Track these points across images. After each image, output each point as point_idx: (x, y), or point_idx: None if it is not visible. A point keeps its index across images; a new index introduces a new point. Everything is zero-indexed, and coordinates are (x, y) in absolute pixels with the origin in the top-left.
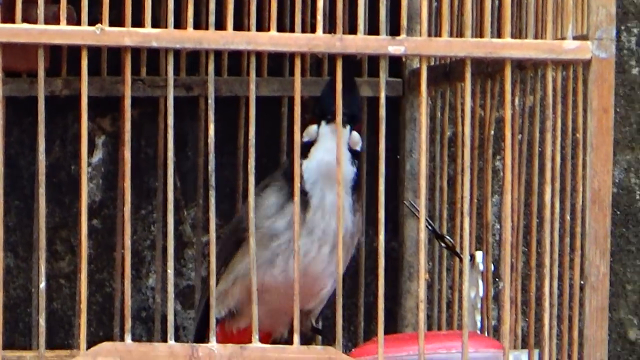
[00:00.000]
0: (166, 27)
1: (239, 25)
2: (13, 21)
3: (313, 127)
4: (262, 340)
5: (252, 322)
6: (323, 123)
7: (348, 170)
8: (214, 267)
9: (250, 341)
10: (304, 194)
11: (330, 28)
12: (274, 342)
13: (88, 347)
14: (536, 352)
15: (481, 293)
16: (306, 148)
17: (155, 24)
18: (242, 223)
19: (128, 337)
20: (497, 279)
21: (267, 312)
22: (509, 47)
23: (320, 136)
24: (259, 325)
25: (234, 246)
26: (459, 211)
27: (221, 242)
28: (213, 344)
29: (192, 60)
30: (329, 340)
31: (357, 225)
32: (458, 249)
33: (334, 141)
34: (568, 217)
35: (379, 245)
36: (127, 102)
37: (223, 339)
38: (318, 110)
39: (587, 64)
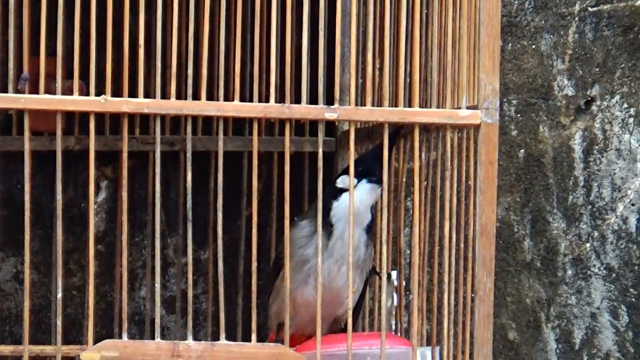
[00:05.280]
0: (155, 97)
1: (210, 96)
2: (37, 93)
3: (350, 179)
4: (306, 338)
5: (295, 330)
6: (364, 180)
7: (368, 216)
8: (191, 281)
9: (294, 344)
10: (329, 225)
11: (280, 98)
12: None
13: (94, 343)
14: (437, 348)
15: (395, 303)
16: (339, 192)
17: (146, 95)
18: (279, 256)
19: (125, 336)
20: (407, 292)
21: (308, 319)
22: (417, 114)
23: (358, 189)
24: (303, 329)
25: (276, 274)
26: (379, 240)
27: (266, 275)
28: (190, 340)
29: (174, 123)
30: None
31: (368, 255)
32: (378, 269)
33: (369, 195)
34: (462, 245)
35: (317, 266)
36: (125, 155)
37: None
38: (362, 169)
39: (477, 127)
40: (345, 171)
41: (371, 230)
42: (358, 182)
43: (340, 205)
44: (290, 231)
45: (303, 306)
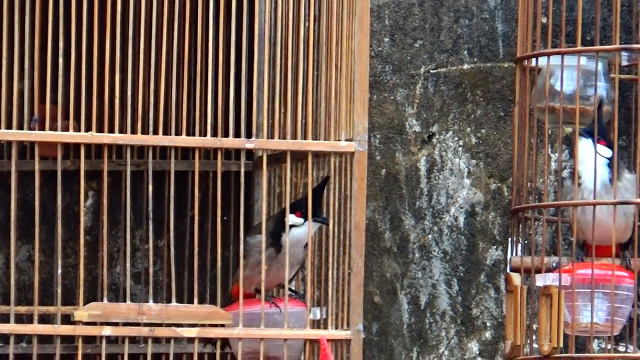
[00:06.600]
0: (127, 133)
1: (165, 132)
2: (44, 129)
3: (299, 219)
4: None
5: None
6: (311, 220)
7: (307, 240)
8: (152, 261)
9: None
10: (279, 246)
11: (214, 133)
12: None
13: (84, 305)
14: (324, 308)
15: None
16: (290, 226)
17: (120, 131)
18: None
19: (105, 300)
20: (303, 269)
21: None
22: (310, 144)
23: (306, 225)
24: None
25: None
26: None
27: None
28: (151, 303)
29: (140, 150)
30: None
31: (303, 257)
32: None
33: (313, 229)
34: (342, 236)
35: (240, 260)
36: (105, 173)
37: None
38: (305, 210)
39: (352, 154)
40: (292, 210)
41: (306, 246)
42: (305, 220)
43: (291, 237)
44: (249, 238)
45: (259, 274)
